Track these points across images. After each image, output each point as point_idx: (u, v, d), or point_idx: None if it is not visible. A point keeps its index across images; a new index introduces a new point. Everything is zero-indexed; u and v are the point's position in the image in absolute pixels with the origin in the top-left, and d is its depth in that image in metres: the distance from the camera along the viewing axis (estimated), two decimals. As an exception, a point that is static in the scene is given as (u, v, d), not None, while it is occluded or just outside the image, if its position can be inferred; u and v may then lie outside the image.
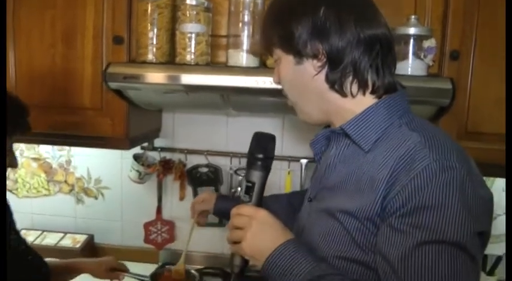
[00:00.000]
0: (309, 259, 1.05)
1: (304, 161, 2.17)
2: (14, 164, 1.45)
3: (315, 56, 1.10)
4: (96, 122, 1.95)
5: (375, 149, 1.08)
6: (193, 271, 2.04)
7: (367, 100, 1.12)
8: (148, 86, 1.77)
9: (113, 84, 1.80)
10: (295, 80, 1.17)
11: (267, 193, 2.24)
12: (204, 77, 1.72)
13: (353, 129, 1.12)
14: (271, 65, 1.75)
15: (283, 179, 2.23)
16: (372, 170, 1.05)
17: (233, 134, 2.27)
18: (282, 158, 2.21)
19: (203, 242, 2.34)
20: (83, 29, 1.91)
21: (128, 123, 1.94)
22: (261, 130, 2.24)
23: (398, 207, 0.98)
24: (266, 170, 1.18)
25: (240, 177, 2.24)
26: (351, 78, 1.11)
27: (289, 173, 2.21)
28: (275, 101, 1.74)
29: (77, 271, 1.79)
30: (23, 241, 1.56)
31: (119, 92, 1.86)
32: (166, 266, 2.13)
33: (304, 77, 1.14)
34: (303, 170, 2.17)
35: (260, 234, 1.09)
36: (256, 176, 1.17)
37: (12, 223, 1.56)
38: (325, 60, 1.10)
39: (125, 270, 1.86)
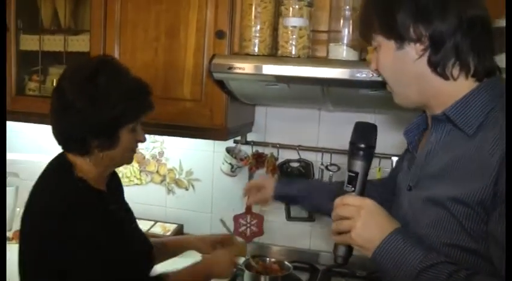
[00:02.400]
0: (420, 247, 1.05)
1: (395, 158, 2.16)
2: (143, 139, 1.56)
3: (417, 40, 1.11)
4: (196, 113, 2.02)
5: (479, 133, 1.08)
6: (287, 263, 2.06)
7: (468, 84, 1.12)
8: (253, 77, 1.82)
9: (218, 75, 1.86)
10: (396, 65, 1.17)
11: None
12: (307, 69, 1.76)
13: (456, 114, 1.12)
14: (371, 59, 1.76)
15: (373, 176, 2.22)
16: (481, 155, 1.04)
17: (324, 129, 2.28)
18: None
19: (291, 236, 2.37)
20: (186, 23, 1.99)
21: (226, 114, 2.00)
22: (350, 126, 2.26)
23: None
24: (368, 159, 1.19)
25: (331, 173, 2.25)
26: (453, 60, 1.11)
27: (379, 169, 2.20)
28: (372, 95, 1.76)
29: (183, 248, 1.85)
30: (134, 219, 1.68)
31: (220, 83, 1.92)
32: (256, 258, 2.16)
33: (406, 62, 1.15)
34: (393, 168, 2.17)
35: (369, 223, 1.09)
36: (358, 166, 1.18)
37: (125, 203, 1.70)
38: (428, 43, 1.11)
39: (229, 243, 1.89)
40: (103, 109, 1.40)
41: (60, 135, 1.48)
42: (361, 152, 1.18)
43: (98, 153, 1.46)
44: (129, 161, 1.59)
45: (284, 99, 2.13)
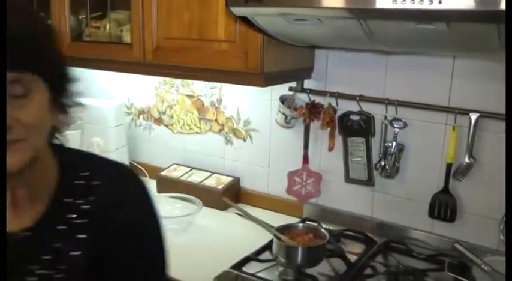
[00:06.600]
0: None
1: (474, 115, 1.73)
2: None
3: None
4: (231, 55, 1.79)
5: None
6: (323, 230, 1.79)
7: None
8: (273, 10, 1.52)
9: (236, 10, 1.59)
10: None
11: (423, 153, 1.88)
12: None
13: None
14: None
15: (447, 136, 1.82)
16: None
17: (392, 78, 1.90)
18: (447, 110, 1.80)
19: (349, 200, 2.07)
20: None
21: (261, 57, 1.74)
22: (424, 74, 1.86)
23: None
24: None
25: (397, 130, 1.88)
26: None
27: (454, 129, 1.79)
28: (424, 30, 1.37)
29: None
30: None
31: (247, 21, 1.65)
32: (302, 224, 1.91)
33: None
34: (471, 127, 1.74)
35: None
36: None
37: None
38: None
39: None
40: None
41: None
42: None
43: None
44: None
45: (324, 40, 1.80)
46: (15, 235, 0.98)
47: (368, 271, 1.75)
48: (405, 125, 1.88)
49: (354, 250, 1.89)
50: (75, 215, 1.02)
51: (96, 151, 2.40)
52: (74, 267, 1.00)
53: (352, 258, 1.82)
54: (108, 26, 2.20)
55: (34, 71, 0.90)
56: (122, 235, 1.04)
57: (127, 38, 2.11)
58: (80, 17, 2.31)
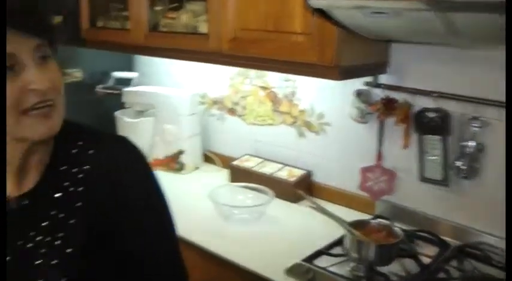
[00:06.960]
0: None
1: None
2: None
3: None
4: (306, 47, 1.78)
5: None
6: (397, 229, 1.75)
7: None
8: (350, 3, 1.50)
9: (314, 3, 1.58)
10: None
11: (503, 154, 1.79)
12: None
13: None
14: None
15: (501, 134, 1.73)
16: None
17: (471, 74, 1.81)
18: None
19: (422, 199, 2.02)
20: None
21: (337, 50, 1.72)
22: (503, 68, 1.76)
23: None
24: None
25: (475, 129, 1.81)
26: None
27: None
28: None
29: None
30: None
31: (324, 14, 1.64)
32: (375, 221, 1.88)
33: None
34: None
35: None
36: None
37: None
38: None
39: None
40: None
41: None
42: None
43: None
44: (29, 130, 0.96)
45: (400, 34, 1.74)
46: (13, 201, 1.03)
47: (441, 274, 1.69)
48: (484, 124, 1.79)
49: (426, 251, 1.83)
50: (70, 183, 1.05)
51: (169, 139, 2.48)
52: (71, 235, 1.03)
53: (425, 260, 1.77)
54: (184, 17, 2.24)
55: (45, 37, 0.95)
56: (122, 203, 1.06)
57: (203, 28, 2.14)
58: (157, 8, 2.36)
